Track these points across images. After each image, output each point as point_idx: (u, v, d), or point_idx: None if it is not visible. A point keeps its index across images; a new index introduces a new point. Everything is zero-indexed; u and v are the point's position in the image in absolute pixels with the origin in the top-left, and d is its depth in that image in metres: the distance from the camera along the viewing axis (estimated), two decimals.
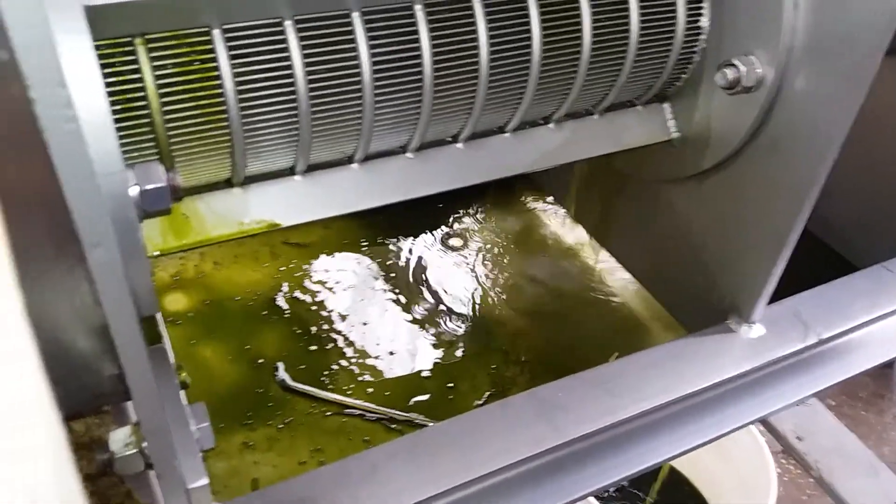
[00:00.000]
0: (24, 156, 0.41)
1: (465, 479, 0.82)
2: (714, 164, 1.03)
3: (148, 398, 0.55)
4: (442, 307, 1.47)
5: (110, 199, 0.49)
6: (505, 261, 1.58)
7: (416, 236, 1.62)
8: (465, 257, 1.59)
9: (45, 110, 0.37)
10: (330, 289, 1.47)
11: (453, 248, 1.61)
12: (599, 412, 0.91)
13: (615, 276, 1.51)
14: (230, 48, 0.68)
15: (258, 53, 0.70)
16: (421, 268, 1.55)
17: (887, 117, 1.41)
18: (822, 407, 1.54)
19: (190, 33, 0.66)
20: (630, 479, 0.91)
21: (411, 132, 0.85)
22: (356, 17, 0.73)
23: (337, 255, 1.55)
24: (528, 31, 0.84)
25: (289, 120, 0.75)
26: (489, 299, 1.49)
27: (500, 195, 1.72)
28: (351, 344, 1.37)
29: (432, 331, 1.42)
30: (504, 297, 1.50)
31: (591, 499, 1.15)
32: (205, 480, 0.65)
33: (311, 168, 0.84)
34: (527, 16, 0.83)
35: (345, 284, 1.49)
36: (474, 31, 0.80)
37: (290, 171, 0.83)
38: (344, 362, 1.34)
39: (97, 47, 0.61)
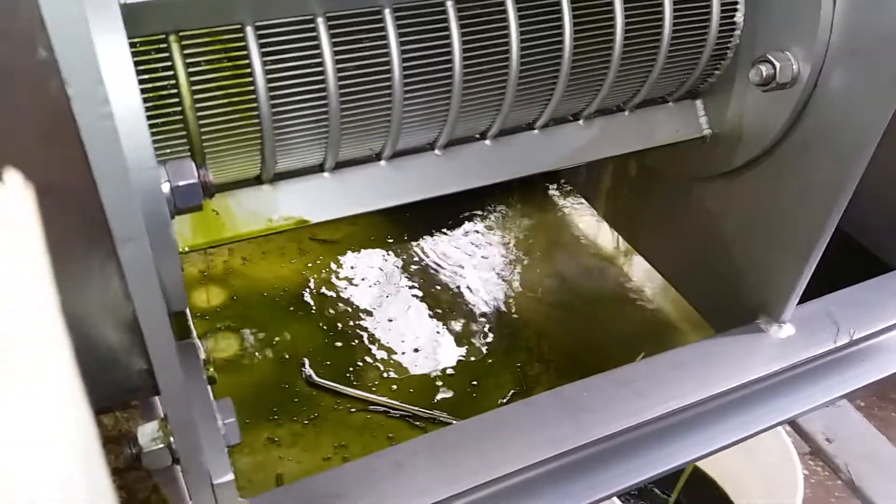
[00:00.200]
0: (60, 152, 0.41)
1: (489, 478, 0.82)
2: (746, 161, 1.01)
3: (176, 393, 0.55)
4: (467, 305, 1.47)
5: (143, 195, 0.49)
6: (531, 258, 1.58)
7: (442, 233, 1.62)
8: (492, 255, 1.59)
9: (83, 107, 0.37)
10: (356, 285, 1.48)
11: (479, 246, 1.60)
12: (625, 412, 0.90)
13: (643, 275, 1.50)
14: (262, 45, 0.68)
15: (290, 50, 0.70)
16: (446, 265, 1.55)
17: None
18: (851, 408, 1.52)
19: (223, 31, 0.66)
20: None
21: (440, 129, 0.85)
22: (387, 14, 0.73)
23: (363, 251, 1.55)
24: (560, 26, 0.83)
25: (319, 117, 0.75)
26: (514, 297, 1.49)
27: (527, 193, 1.71)
28: (376, 341, 1.37)
29: (457, 328, 1.41)
30: (529, 295, 1.49)
31: (614, 498, 1.14)
32: (230, 476, 0.65)
33: (340, 165, 0.84)
34: (558, 10, 0.82)
35: (370, 281, 1.49)
36: (505, 27, 0.80)
37: (319, 168, 0.83)
38: (369, 359, 1.34)
39: (132, 44, 0.61)
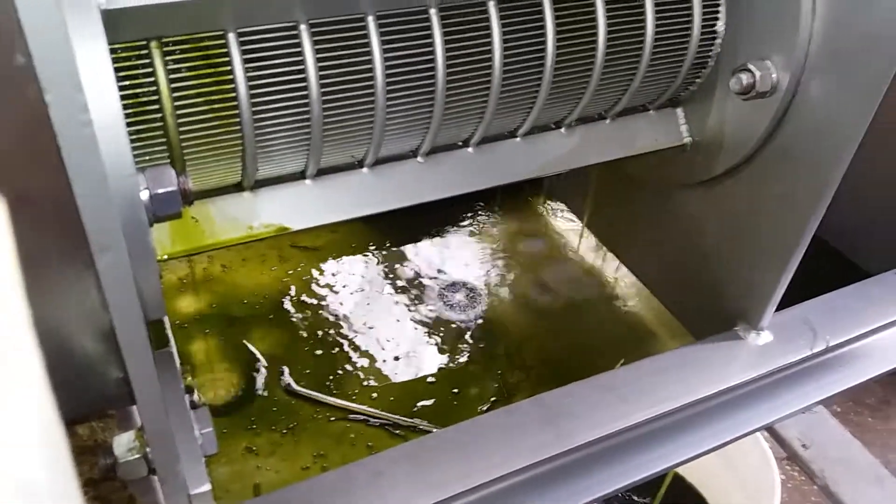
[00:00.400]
0: (36, 159, 0.40)
1: (470, 485, 0.82)
2: (726, 169, 1.02)
3: (152, 403, 0.54)
4: (448, 312, 1.46)
5: (121, 202, 0.49)
6: (513, 265, 1.58)
7: (424, 241, 1.62)
8: (473, 262, 1.59)
9: (61, 114, 0.36)
10: (337, 293, 1.47)
11: (462, 253, 1.60)
12: (605, 419, 0.91)
13: (623, 282, 1.51)
14: (244, 52, 0.68)
15: (272, 57, 0.70)
16: (428, 272, 1.55)
17: None
18: (827, 414, 1.54)
19: (205, 37, 0.66)
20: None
21: (422, 136, 0.85)
22: (371, 21, 0.73)
23: (345, 258, 1.54)
24: (543, 35, 0.83)
25: (301, 124, 0.74)
26: (496, 304, 1.49)
27: (509, 200, 1.71)
28: (357, 348, 1.37)
29: (438, 336, 1.41)
30: (511, 302, 1.49)
31: None
32: (207, 487, 0.65)
33: (322, 172, 0.83)
34: (541, 20, 0.82)
35: (352, 288, 1.48)
36: (488, 36, 0.80)
37: (301, 175, 0.83)
38: (349, 367, 1.33)
39: (112, 51, 0.61)
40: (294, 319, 1.40)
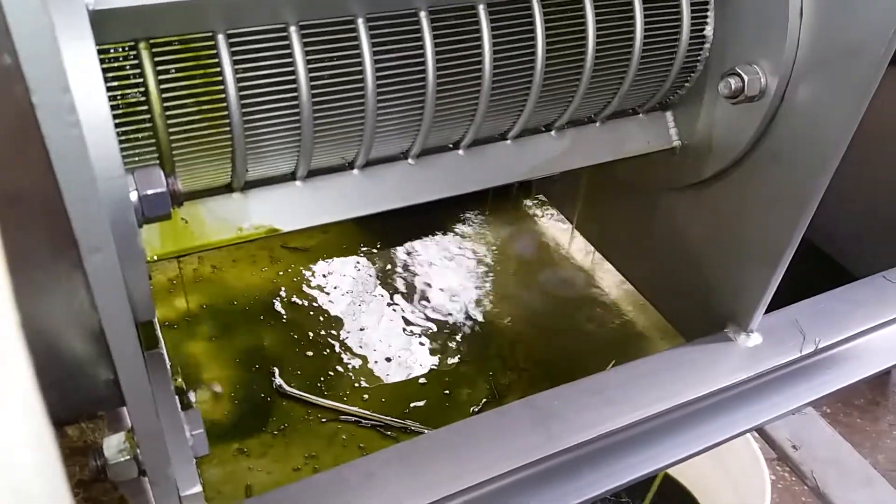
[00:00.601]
0: (24, 160, 0.40)
1: (461, 487, 0.82)
2: (715, 172, 1.03)
3: (142, 405, 0.54)
4: (440, 313, 1.46)
5: (110, 203, 0.49)
6: (504, 267, 1.58)
7: (415, 241, 1.62)
8: (465, 263, 1.59)
9: (48, 115, 0.36)
10: (328, 294, 1.47)
11: (453, 255, 1.60)
12: (596, 420, 0.91)
13: (614, 285, 1.51)
14: (234, 53, 0.68)
15: (262, 59, 0.69)
16: (419, 273, 1.55)
17: (887, 126, 1.41)
18: (817, 415, 1.55)
19: (194, 38, 0.66)
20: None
21: (413, 138, 0.85)
22: (361, 24, 0.73)
23: (336, 259, 1.54)
24: (533, 38, 0.83)
25: (291, 126, 0.74)
26: (487, 306, 1.49)
27: (500, 202, 1.71)
28: (348, 349, 1.36)
29: (429, 337, 1.41)
30: (502, 303, 1.50)
31: None
32: (198, 488, 0.65)
33: (312, 173, 0.83)
34: (531, 23, 0.83)
35: (343, 289, 1.48)
36: (479, 39, 0.80)
37: (291, 177, 0.83)
38: (340, 368, 1.33)
39: (100, 51, 0.61)
40: (285, 321, 1.40)
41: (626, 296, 1.48)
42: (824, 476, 1.35)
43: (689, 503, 1.53)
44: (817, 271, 1.55)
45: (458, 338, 1.41)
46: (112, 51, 0.63)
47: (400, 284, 1.52)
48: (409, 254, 1.59)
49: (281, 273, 1.49)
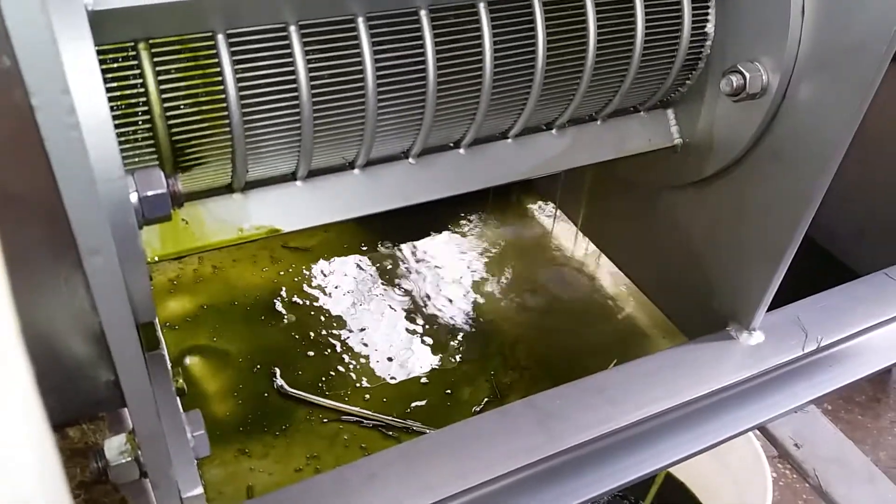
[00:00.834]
0: (22, 162, 0.40)
1: (462, 487, 0.82)
2: (716, 170, 1.02)
3: (143, 406, 0.54)
4: (441, 313, 1.46)
5: (110, 205, 0.48)
6: (505, 266, 1.58)
7: (416, 241, 1.61)
8: (466, 263, 1.59)
9: (47, 117, 0.36)
10: (329, 294, 1.47)
11: (454, 254, 1.60)
12: (598, 420, 0.91)
13: (615, 283, 1.51)
14: (234, 53, 0.67)
15: (262, 59, 0.69)
16: (421, 273, 1.55)
17: (889, 124, 1.41)
18: (819, 413, 1.54)
19: (194, 38, 0.65)
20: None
21: (413, 138, 0.85)
22: (361, 23, 0.72)
23: (337, 259, 1.54)
24: (533, 36, 0.83)
25: (291, 125, 0.74)
26: (488, 305, 1.49)
27: (501, 201, 1.71)
28: (349, 349, 1.36)
29: (431, 336, 1.41)
30: (503, 302, 1.49)
31: None
32: (199, 490, 0.64)
33: (312, 173, 0.83)
34: (532, 21, 0.82)
35: (344, 289, 1.48)
36: (479, 37, 0.80)
37: (291, 177, 0.83)
38: (342, 368, 1.33)
39: (100, 51, 0.60)
40: (286, 321, 1.40)
41: (627, 294, 1.48)
42: (826, 474, 1.34)
43: (691, 501, 1.53)
44: (819, 269, 1.55)
45: (459, 337, 1.41)
46: (111, 51, 0.62)
47: (401, 284, 1.51)
48: (410, 253, 1.59)
49: (282, 273, 1.49)
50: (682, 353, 1.01)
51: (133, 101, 0.65)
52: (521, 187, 1.73)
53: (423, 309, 1.46)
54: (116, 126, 0.62)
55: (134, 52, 0.63)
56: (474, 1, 0.78)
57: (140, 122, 0.66)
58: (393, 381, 1.32)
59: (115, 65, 0.63)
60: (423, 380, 1.33)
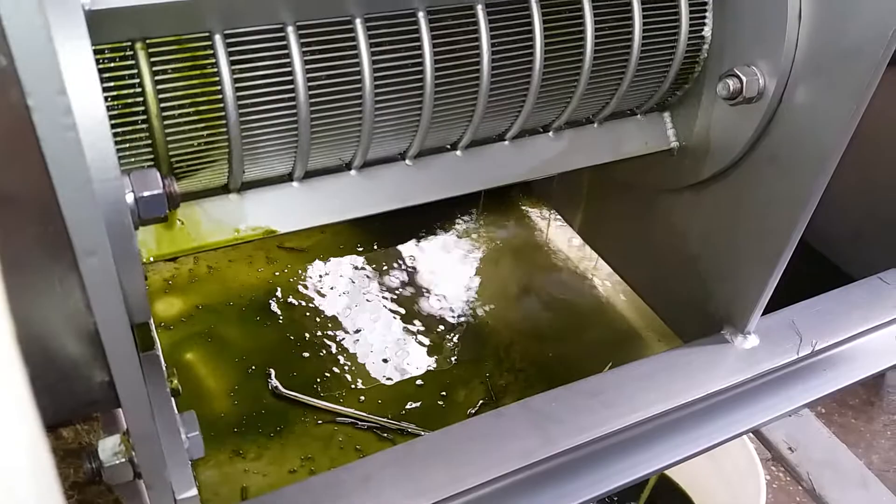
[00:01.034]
0: (18, 162, 0.40)
1: (458, 490, 0.82)
2: (713, 174, 1.02)
3: (138, 407, 0.54)
4: (436, 314, 1.46)
5: (105, 205, 0.48)
6: (501, 268, 1.58)
7: (412, 242, 1.61)
8: (461, 264, 1.58)
9: (44, 118, 0.36)
10: (324, 295, 1.47)
11: (450, 255, 1.60)
12: (593, 423, 0.91)
13: (611, 285, 1.51)
14: (231, 54, 0.67)
15: (259, 59, 0.69)
16: (416, 274, 1.54)
17: (884, 128, 1.41)
18: (813, 417, 1.55)
19: (191, 38, 0.65)
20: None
21: (410, 139, 0.85)
22: (359, 24, 0.72)
23: (332, 260, 1.54)
24: (531, 39, 0.83)
25: (288, 126, 0.74)
26: (484, 307, 1.49)
27: (497, 203, 1.71)
28: (344, 351, 1.36)
29: (426, 338, 1.41)
30: (499, 304, 1.49)
31: None
32: (193, 491, 0.64)
33: (309, 174, 0.83)
34: (529, 24, 0.82)
35: (339, 290, 1.48)
36: (477, 39, 0.80)
37: (288, 178, 0.82)
38: (337, 369, 1.33)
39: (97, 51, 0.60)
40: (281, 321, 1.40)
41: (622, 297, 1.48)
42: (820, 478, 1.35)
43: (684, 502, 1.53)
44: (813, 272, 1.56)
45: (454, 339, 1.41)
46: (108, 51, 0.62)
47: (396, 285, 1.51)
48: (405, 255, 1.59)
49: (277, 273, 1.49)
50: (677, 356, 1.02)
51: (130, 101, 0.64)
52: (518, 189, 1.73)
53: (419, 310, 1.46)
54: (113, 126, 0.62)
55: (131, 52, 0.63)
56: (472, 3, 0.78)
57: (137, 123, 0.65)
58: (388, 383, 1.32)
59: (112, 64, 0.63)
60: (419, 381, 1.33)
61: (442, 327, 1.43)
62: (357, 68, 0.74)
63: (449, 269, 1.56)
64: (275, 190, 0.82)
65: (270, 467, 1.16)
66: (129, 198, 0.51)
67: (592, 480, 0.88)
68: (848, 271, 1.53)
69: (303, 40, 0.70)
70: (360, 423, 1.24)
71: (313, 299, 1.45)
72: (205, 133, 0.69)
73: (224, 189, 0.79)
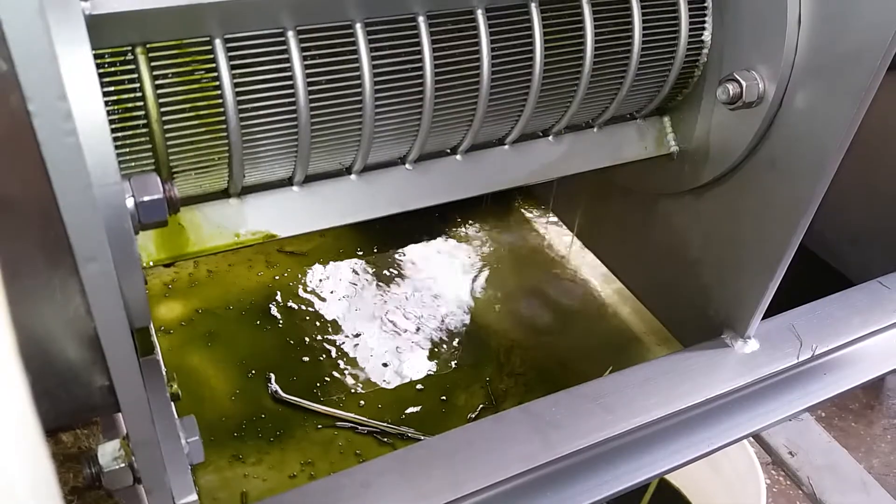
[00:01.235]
0: (18, 166, 0.40)
1: (458, 495, 0.82)
2: (712, 178, 1.02)
3: (138, 412, 0.54)
4: (436, 318, 1.46)
5: (106, 210, 0.48)
6: (501, 272, 1.58)
7: (412, 246, 1.61)
8: (461, 268, 1.58)
9: (44, 123, 0.36)
10: (324, 299, 1.46)
11: (450, 259, 1.60)
12: (593, 427, 0.91)
13: (611, 290, 1.51)
14: (231, 58, 0.67)
15: (259, 64, 0.69)
16: (416, 278, 1.54)
17: (884, 132, 1.42)
18: (813, 421, 1.55)
19: (192, 43, 0.65)
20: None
21: (410, 144, 0.85)
22: (359, 28, 0.72)
23: (332, 263, 1.54)
24: (531, 44, 0.83)
25: (288, 131, 0.74)
26: (484, 311, 1.49)
27: (498, 207, 1.71)
28: (344, 355, 1.36)
29: (426, 342, 1.41)
30: (499, 309, 1.49)
31: None
32: (193, 496, 0.64)
33: (309, 179, 0.83)
34: (529, 28, 0.83)
35: (339, 294, 1.48)
36: (477, 44, 0.80)
37: (288, 182, 0.82)
38: (337, 374, 1.32)
39: (97, 55, 0.60)
40: (281, 325, 1.40)
41: (623, 301, 1.48)
42: (821, 482, 1.35)
43: None
44: (813, 276, 1.56)
45: (454, 343, 1.41)
46: (108, 56, 0.62)
47: (396, 289, 1.51)
48: (406, 258, 1.59)
49: (277, 277, 1.49)
50: (677, 360, 1.01)
51: (130, 105, 0.64)
52: (518, 193, 1.73)
53: (419, 314, 1.46)
54: (113, 130, 0.62)
55: (131, 57, 0.63)
56: (472, 7, 0.78)
57: (137, 127, 0.65)
58: (388, 387, 1.32)
59: (113, 69, 0.63)
60: (419, 386, 1.33)
61: (442, 331, 1.43)
62: (357, 73, 0.74)
63: (449, 272, 1.56)
64: (275, 194, 0.82)
65: (270, 472, 1.16)
66: (130, 202, 0.51)
67: (593, 485, 0.88)
68: (848, 275, 1.53)
69: (303, 45, 0.70)
70: (359, 427, 1.24)
71: (313, 303, 1.45)
72: (205, 137, 0.69)
73: (224, 193, 0.79)
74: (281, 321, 1.40)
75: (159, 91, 0.65)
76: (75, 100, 0.40)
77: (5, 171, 0.40)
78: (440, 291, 1.52)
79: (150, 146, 0.67)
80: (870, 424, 2.01)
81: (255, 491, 1.13)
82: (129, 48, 0.63)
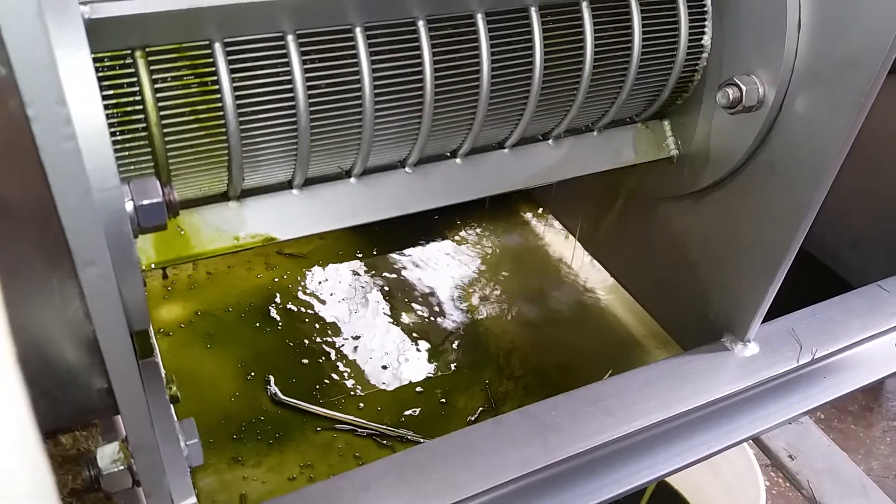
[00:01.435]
0: (18, 171, 0.40)
1: (457, 498, 0.82)
2: (712, 182, 1.03)
3: (137, 414, 0.54)
4: (436, 321, 1.46)
5: (105, 214, 0.48)
6: (500, 275, 1.58)
7: (412, 249, 1.61)
8: (461, 270, 1.58)
9: (43, 128, 0.36)
10: (324, 301, 1.46)
11: (449, 262, 1.60)
12: (593, 430, 0.90)
13: (611, 293, 1.51)
14: (231, 62, 0.67)
15: (259, 67, 0.69)
16: (415, 281, 1.54)
17: (884, 136, 1.42)
18: (813, 425, 1.55)
19: (191, 46, 0.65)
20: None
21: (410, 147, 0.85)
22: (358, 32, 0.72)
23: (332, 266, 1.54)
24: (531, 47, 0.83)
25: (288, 134, 0.74)
26: (484, 313, 1.49)
27: (497, 210, 1.71)
28: (343, 357, 1.36)
29: (425, 345, 1.41)
30: (498, 311, 1.49)
31: None
32: (192, 499, 0.64)
33: (309, 182, 0.83)
34: (529, 33, 0.83)
35: (339, 296, 1.48)
36: (477, 48, 0.80)
37: (288, 185, 0.82)
38: (336, 376, 1.32)
39: (96, 59, 0.60)
40: (280, 327, 1.40)
41: (623, 304, 1.48)
42: (820, 486, 1.34)
43: None
44: (814, 280, 1.56)
45: (454, 345, 1.41)
46: (108, 59, 0.62)
47: (396, 291, 1.51)
48: (405, 261, 1.59)
49: (276, 279, 1.49)
50: (677, 363, 1.01)
51: (129, 109, 0.64)
52: (518, 196, 1.73)
53: (418, 317, 1.46)
54: (112, 134, 0.62)
55: (131, 61, 0.63)
56: (472, 11, 0.79)
57: (136, 131, 0.65)
58: (387, 389, 1.32)
59: (112, 73, 0.63)
60: (418, 388, 1.32)
61: (441, 334, 1.43)
62: (357, 76, 0.74)
63: (448, 274, 1.56)
64: (274, 197, 0.82)
65: (269, 474, 1.16)
66: (129, 206, 0.51)
67: (592, 488, 0.88)
68: (848, 279, 1.53)
69: (303, 49, 0.70)
70: (359, 430, 1.24)
71: (312, 305, 1.45)
72: (205, 141, 0.69)
73: (224, 196, 0.79)
74: (280, 323, 1.40)
75: (159, 95, 0.65)
76: (74, 104, 0.40)
77: (4, 175, 0.40)
78: (439, 293, 1.52)
79: (149, 150, 0.67)
80: (869, 426, 2.01)
81: (255, 493, 1.13)
82: (129, 52, 0.63)
